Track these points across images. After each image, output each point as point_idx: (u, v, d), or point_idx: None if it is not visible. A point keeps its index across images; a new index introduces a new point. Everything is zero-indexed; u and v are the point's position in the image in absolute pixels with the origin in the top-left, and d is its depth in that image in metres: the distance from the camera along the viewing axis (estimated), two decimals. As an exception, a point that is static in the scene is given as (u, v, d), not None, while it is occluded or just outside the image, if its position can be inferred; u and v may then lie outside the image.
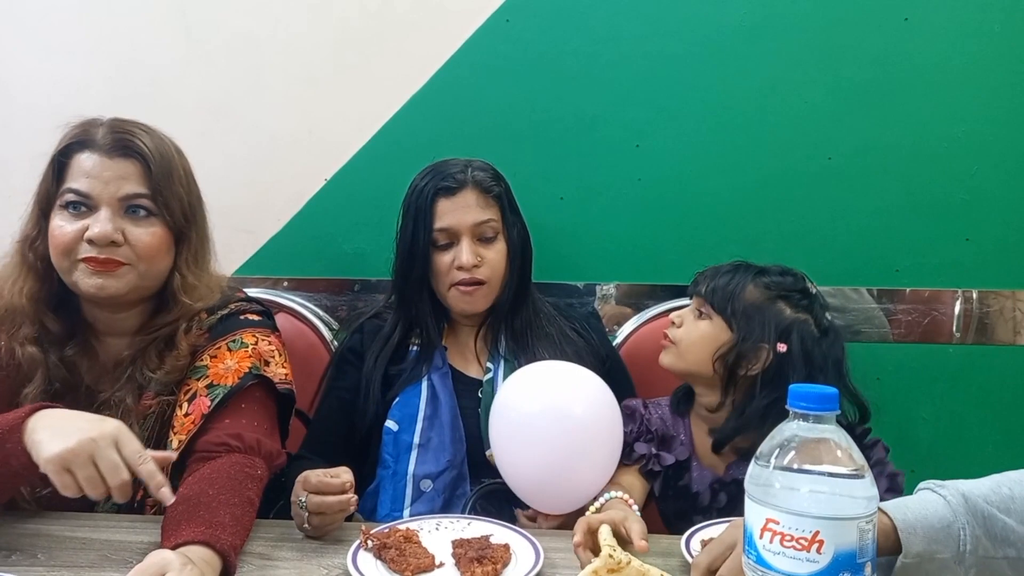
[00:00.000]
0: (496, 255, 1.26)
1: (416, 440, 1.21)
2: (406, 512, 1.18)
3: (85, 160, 1.05)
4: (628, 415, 1.21)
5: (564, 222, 1.65)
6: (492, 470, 1.15)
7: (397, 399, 1.24)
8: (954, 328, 1.67)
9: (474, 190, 1.25)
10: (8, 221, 1.12)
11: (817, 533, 0.56)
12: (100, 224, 1.03)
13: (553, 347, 1.29)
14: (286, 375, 1.14)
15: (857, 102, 1.63)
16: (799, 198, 1.65)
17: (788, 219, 1.66)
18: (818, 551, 0.56)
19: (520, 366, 1.22)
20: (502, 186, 1.30)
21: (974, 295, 1.66)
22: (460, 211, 1.24)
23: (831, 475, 0.58)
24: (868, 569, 0.57)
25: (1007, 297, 1.66)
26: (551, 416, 1.07)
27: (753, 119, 1.65)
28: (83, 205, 1.04)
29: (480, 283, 1.25)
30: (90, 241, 1.03)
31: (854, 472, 0.58)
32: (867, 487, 0.58)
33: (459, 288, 1.25)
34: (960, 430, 1.68)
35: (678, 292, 1.65)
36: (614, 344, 1.61)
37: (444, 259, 1.25)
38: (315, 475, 0.98)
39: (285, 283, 1.72)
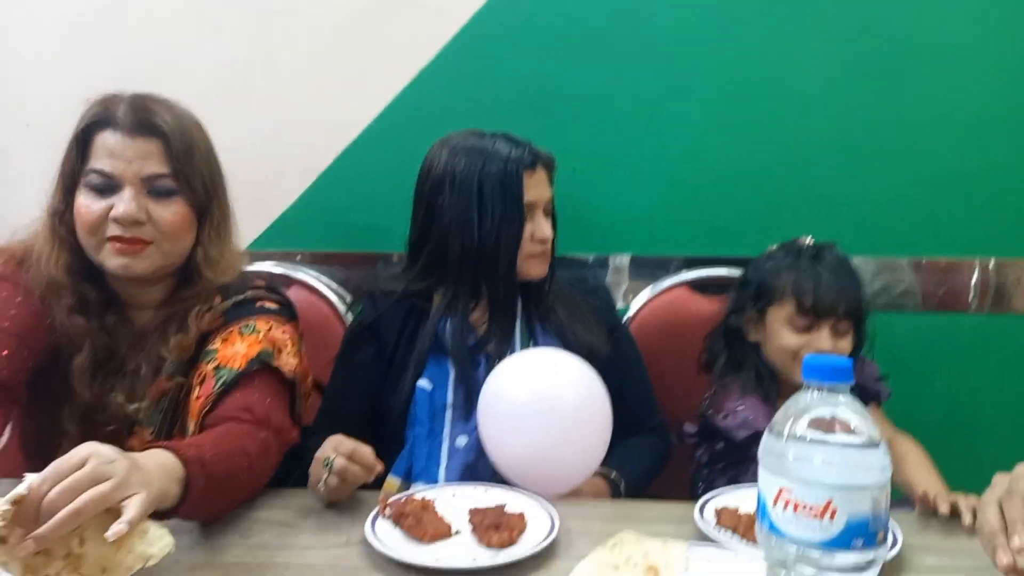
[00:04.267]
0: (553, 226, 1.32)
1: (450, 400, 1.23)
2: (441, 469, 1.20)
3: (107, 138, 1.06)
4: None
5: (577, 194, 1.65)
6: None
7: (428, 360, 1.26)
8: (971, 297, 1.66)
9: (543, 166, 1.29)
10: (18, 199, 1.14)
11: (830, 502, 0.57)
12: (124, 204, 1.04)
13: (571, 320, 1.30)
14: (295, 366, 1.14)
15: (871, 75, 1.61)
16: (812, 170, 1.64)
17: (800, 191, 1.65)
18: (831, 519, 0.57)
19: (539, 338, 1.27)
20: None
21: (991, 264, 1.65)
22: (540, 186, 1.28)
23: (845, 445, 0.58)
24: (880, 537, 0.58)
25: (1007, 266, 1.65)
26: (538, 404, 1.08)
27: (767, 92, 1.64)
28: (107, 184, 1.06)
29: (548, 253, 1.30)
30: (115, 220, 1.04)
31: (868, 442, 0.58)
32: (880, 457, 0.58)
33: (537, 259, 1.28)
34: (975, 399, 1.68)
35: (690, 264, 1.65)
36: (627, 316, 1.62)
37: (526, 231, 1.26)
38: (351, 442, 1.00)
39: (298, 257, 1.73)
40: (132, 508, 0.72)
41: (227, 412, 1.03)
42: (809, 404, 0.60)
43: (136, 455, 0.80)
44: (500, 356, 1.25)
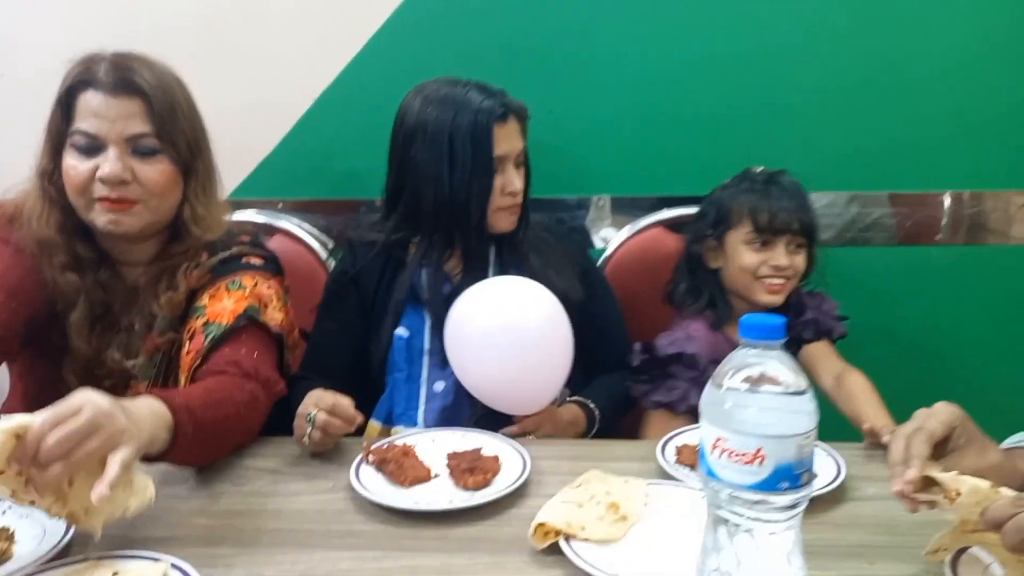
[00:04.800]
0: (525, 178, 1.33)
1: (426, 346, 1.29)
2: (420, 413, 1.26)
3: (90, 99, 1.08)
4: (689, 362, 1.35)
5: (553, 137, 1.66)
6: None
7: (406, 309, 1.30)
8: (942, 229, 1.70)
9: (515, 118, 1.29)
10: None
11: (760, 449, 0.63)
12: (109, 164, 1.07)
13: (545, 267, 1.32)
14: (282, 321, 1.18)
15: (849, 13, 1.61)
16: (790, 107, 1.66)
17: (778, 128, 1.67)
18: (760, 465, 0.63)
19: (530, 274, 1.29)
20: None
21: (965, 196, 1.68)
22: (511, 138, 1.28)
23: (774, 396, 0.64)
24: (805, 478, 0.64)
25: (990, 197, 1.68)
26: (503, 329, 1.13)
27: (741, 28, 1.63)
28: (92, 144, 1.08)
29: (519, 205, 1.32)
30: (101, 180, 1.07)
31: (795, 391, 0.64)
32: (806, 404, 0.64)
33: (508, 210, 1.30)
34: (947, 328, 1.74)
35: (670, 203, 1.68)
36: (604, 255, 1.66)
37: (496, 183, 1.27)
38: (331, 396, 1.05)
39: (280, 205, 1.75)
40: (115, 465, 0.75)
41: (216, 366, 1.08)
42: (744, 360, 0.65)
43: (128, 403, 0.84)
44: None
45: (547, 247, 1.38)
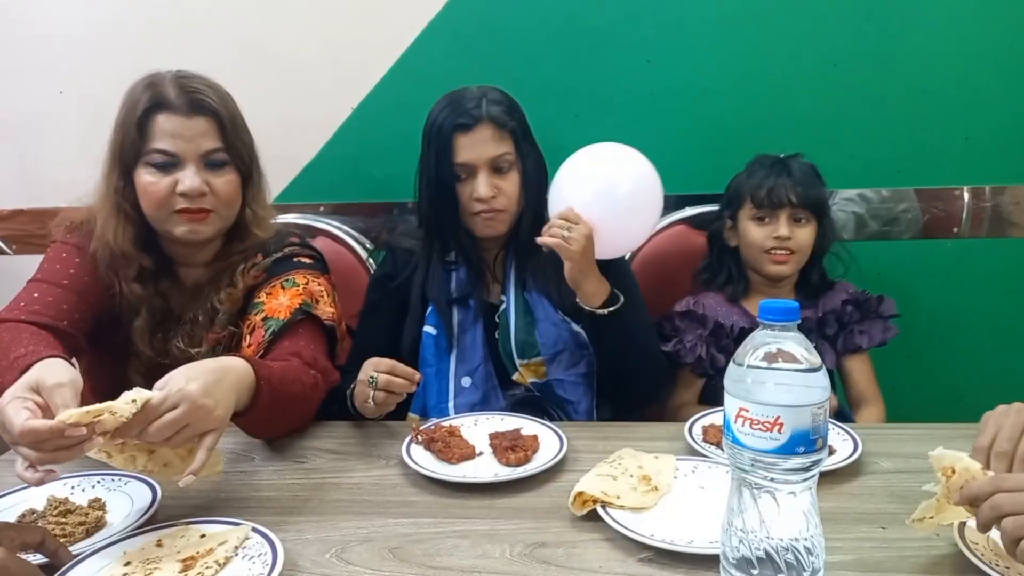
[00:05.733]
0: (511, 185, 1.34)
1: (454, 343, 1.37)
2: (450, 404, 1.35)
3: (165, 121, 1.18)
4: (698, 319, 1.48)
5: (580, 139, 1.73)
6: (521, 404, 1.31)
7: (430, 308, 1.38)
8: (958, 222, 1.75)
9: (489, 125, 1.31)
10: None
11: (778, 417, 0.70)
12: (190, 179, 1.17)
13: (560, 279, 1.32)
14: (332, 314, 1.28)
15: (861, 10, 1.67)
16: (807, 105, 1.72)
17: (796, 126, 1.73)
18: (779, 431, 0.70)
19: (538, 288, 1.37)
20: (516, 118, 1.35)
21: (968, 191, 1.73)
22: (477, 146, 1.31)
23: (791, 371, 0.71)
24: (819, 444, 0.71)
25: (1001, 192, 1.73)
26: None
27: (760, 29, 1.70)
28: (169, 162, 1.18)
29: (498, 211, 1.34)
30: (182, 194, 1.18)
31: (809, 368, 0.71)
32: (820, 379, 0.71)
33: (480, 216, 1.34)
34: (958, 319, 1.79)
35: (692, 201, 1.75)
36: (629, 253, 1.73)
37: (464, 191, 1.33)
38: (388, 360, 1.14)
39: (322, 208, 1.85)
40: (202, 452, 0.90)
41: (279, 356, 1.19)
42: (763, 339, 0.73)
43: (222, 367, 0.96)
44: (481, 307, 1.38)
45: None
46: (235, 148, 1.22)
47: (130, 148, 1.19)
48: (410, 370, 1.13)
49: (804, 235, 1.47)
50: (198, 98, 1.18)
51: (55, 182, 1.26)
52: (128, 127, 1.18)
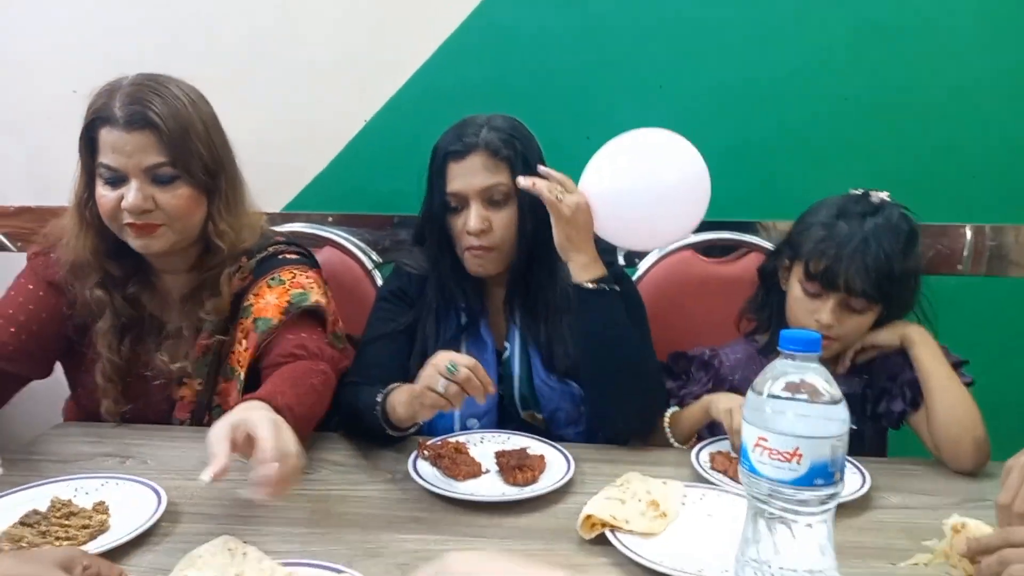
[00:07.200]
0: (505, 219, 1.23)
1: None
2: (455, 421, 1.29)
3: (107, 135, 1.13)
4: (701, 365, 1.32)
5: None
6: (528, 429, 1.26)
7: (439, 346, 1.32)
8: (962, 260, 1.77)
9: (483, 153, 1.21)
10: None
11: (797, 448, 0.70)
12: (132, 195, 1.13)
13: (555, 331, 1.28)
14: (325, 303, 1.27)
15: (872, 45, 1.69)
16: (816, 137, 1.74)
17: (805, 158, 1.74)
18: (798, 462, 0.70)
19: (534, 340, 1.30)
20: (516, 147, 1.23)
21: (971, 230, 1.74)
22: (468, 175, 1.22)
23: (811, 402, 0.71)
24: (837, 476, 0.71)
25: (1009, 231, 1.75)
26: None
27: (773, 60, 1.72)
28: (115, 176, 1.14)
29: (487, 249, 1.24)
30: (126, 210, 1.14)
31: (831, 400, 0.72)
32: (840, 412, 0.71)
33: (471, 252, 1.25)
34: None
35: (700, 227, 1.75)
36: (635, 277, 1.74)
37: (456, 222, 1.25)
38: (470, 358, 1.02)
39: (330, 218, 1.86)
40: None
41: (285, 351, 1.19)
42: (784, 369, 0.73)
43: (254, 415, 0.91)
44: (478, 346, 1.30)
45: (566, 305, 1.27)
46: (184, 161, 1.14)
47: (86, 160, 1.17)
48: (489, 379, 1.03)
49: (853, 325, 1.19)
50: (138, 111, 1.12)
51: (63, 181, 1.25)
52: (82, 139, 1.16)
